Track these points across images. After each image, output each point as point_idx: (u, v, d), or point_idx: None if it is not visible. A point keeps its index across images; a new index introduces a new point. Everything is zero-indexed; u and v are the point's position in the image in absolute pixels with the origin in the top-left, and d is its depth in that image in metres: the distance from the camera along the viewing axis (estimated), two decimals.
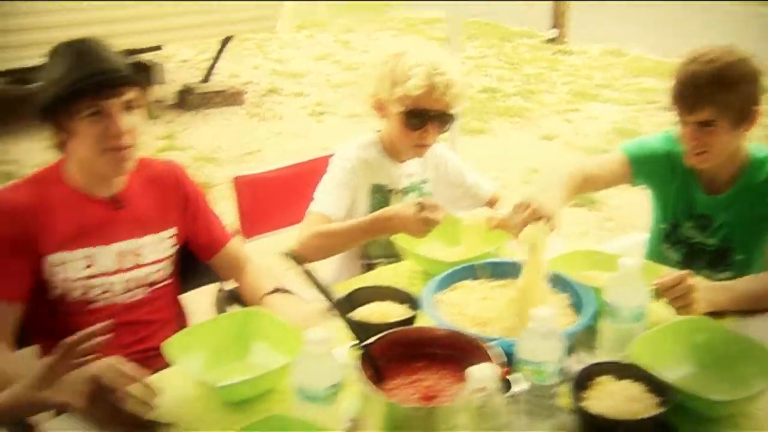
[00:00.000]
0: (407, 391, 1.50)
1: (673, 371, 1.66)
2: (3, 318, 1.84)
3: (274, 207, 2.72)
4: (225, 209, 2.53)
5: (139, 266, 2.06)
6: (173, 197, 2.15)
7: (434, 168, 2.61)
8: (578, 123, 7.57)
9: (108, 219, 2.01)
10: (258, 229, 2.68)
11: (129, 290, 2.06)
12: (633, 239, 2.86)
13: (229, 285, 2.49)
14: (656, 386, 1.54)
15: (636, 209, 5.17)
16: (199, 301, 2.44)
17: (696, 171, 2.34)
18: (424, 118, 2.37)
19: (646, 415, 1.47)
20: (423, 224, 2.12)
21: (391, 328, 1.62)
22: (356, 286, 1.91)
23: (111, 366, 1.55)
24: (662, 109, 7.82)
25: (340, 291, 1.78)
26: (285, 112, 7.80)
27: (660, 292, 1.84)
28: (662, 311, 1.86)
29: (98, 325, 1.45)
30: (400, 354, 1.57)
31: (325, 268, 2.47)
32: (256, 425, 1.43)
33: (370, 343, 1.54)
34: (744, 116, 2.17)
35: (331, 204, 2.37)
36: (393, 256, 2.40)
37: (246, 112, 7.78)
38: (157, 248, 2.10)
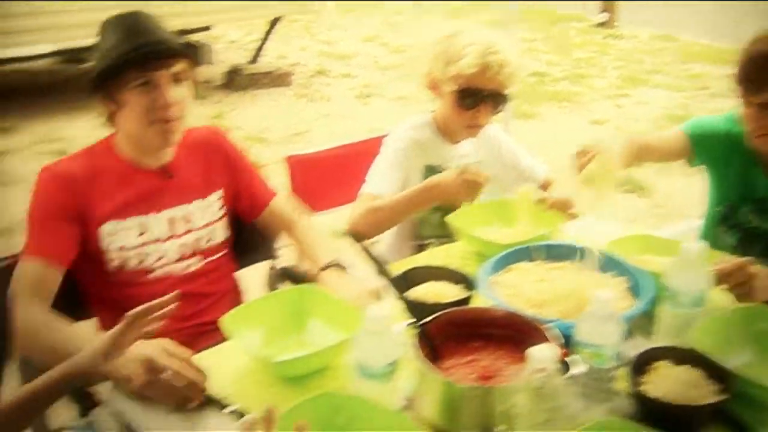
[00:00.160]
0: (464, 370, 1.49)
1: (732, 359, 1.62)
2: (42, 277, 1.85)
3: (324, 187, 2.73)
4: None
5: (190, 231, 2.10)
6: (216, 160, 2.18)
7: (488, 149, 2.59)
8: (628, 108, 7.47)
9: (158, 188, 2.06)
10: (309, 208, 2.69)
11: (184, 258, 2.09)
12: (684, 226, 2.81)
13: (281, 263, 2.52)
14: (716, 373, 1.51)
15: (686, 196, 5.12)
16: (251, 277, 2.46)
17: (757, 153, 2.29)
18: (477, 97, 2.35)
19: (706, 402, 1.45)
20: (466, 186, 2.15)
21: (446, 308, 1.61)
22: (411, 266, 1.91)
23: (162, 346, 1.58)
24: (713, 96, 7.68)
25: (395, 270, 1.78)
26: (332, 94, 7.82)
27: (720, 279, 1.81)
28: (722, 297, 1.83)
29: (165, 297, 1.47)
30: (456, 334, 1.57)
31: (377, 249, 2.48)
32: (311, 401, 1.43)
33: (427, 322, 1.54)
34: None
35: (383, 184, 2.37)
36: (444, 236, 2.40)
37: (294, 93, 7.82)
38: (205, 213, 2.13)
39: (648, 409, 1.47)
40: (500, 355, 1.54)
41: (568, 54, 9.59)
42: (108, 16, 1.98)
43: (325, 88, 8.02)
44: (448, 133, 2.51)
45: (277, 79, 8.00)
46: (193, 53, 2.04)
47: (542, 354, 1.30)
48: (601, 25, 10.77)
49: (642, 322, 1.75)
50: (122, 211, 1.99)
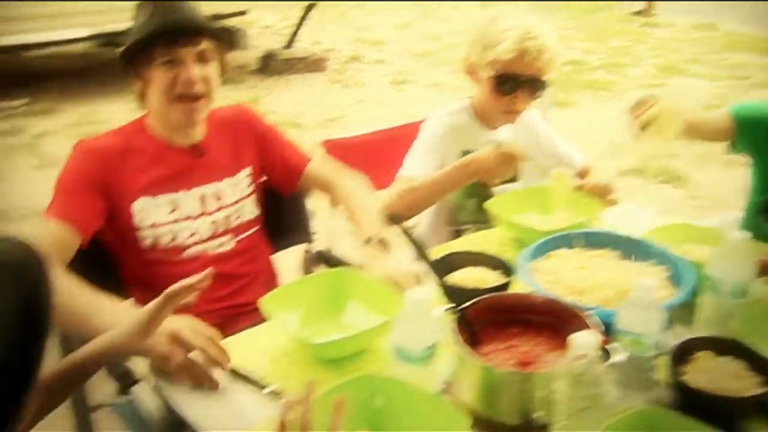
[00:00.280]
0: (502, 356, 1.49)
1: None
2: (60, 239, 1.86)
3: (360, 171, 2.73)
4: None
5: (221, 208, 2.12)
6: (246, 137, 2.20)
7: (526, 135, 2.57)
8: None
9: (188, 167, 2.08)
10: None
11: (216, 236, 2.10)
12: (721, 218, 2.76)
13: (317, 246, 2.52)
14: (759, 364, 1.49)
15: (724, 188, 5.04)
16: (286, 260, 2.47)
17: None
18: (514, 83, 2.34)
19: (749, 394, 1.42)
20: (503, 160, 2.14)
21: (485, 294, 1.61)
22: (448, 251, 1.90)
23: (189, 323, 1.59)
24: (754, 86, 7.56)
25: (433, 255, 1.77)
26: (367, 80, 7.81)
27: (764, 270, 1.78)
28: (765, 289, 1.80)
29: (200, 274, 1.48)
30: (495, 319, 1.56)
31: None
32: (349, 384, 1.42)
33: (466, 307, 1.53)
34: None
35: (419, 168, 2.36)
36: (481, 222, 2.39)
37: (328, 78, 7.82)
38: (235, 190, 2.15)
39: (689, 400, 1.45)
40: (539, 341, 1.53)
41: (604, 42, 9.48)
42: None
43: (359, 74, 8.01)
44: (485, 118, 2.50)
45: (311, 64, 8.01)
46: (220, 33, 2.06)
47: (584, 340, 1.28)
48: (639, 13, 10.63)
49: (682, 312, 1.73)
50: (153, 189, 2.02)
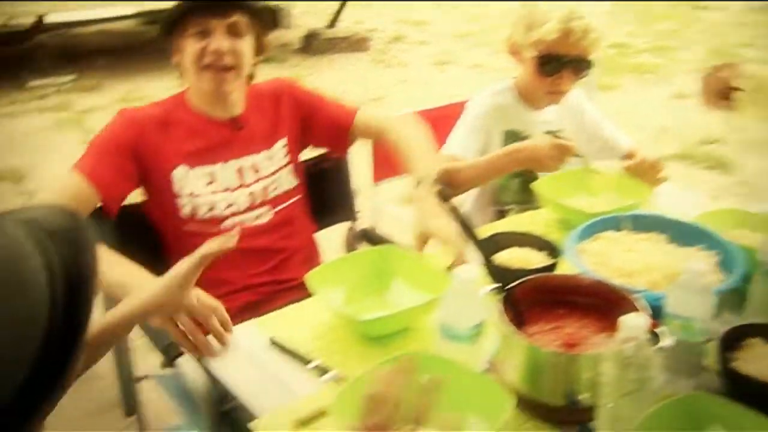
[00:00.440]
0: (548, 337, 1.47)
1: None
2: (79, 193, 1.89)
3: None
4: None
5: (259, 180, 2.13)
6: (284, 109, 2.21)
7: (571, 117, 2.54)
8: None
9: (227, 140, 2.10)
10: (389, 173, 2.68)
11: (253, 207, 2.11)
12: None
13: (361, 224, 2.52)
14: None
15: None
16: (329, 238, 2.47)
17: None
18: (558, 63, 2.31)
19: None
20: (557, 150, 2.12)
21: (532, 274, 1.59)
22: (494, 231, 1.89)
23: (196, 294, 1.60)
24: None
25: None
26: (409, 60, 7.78)
27: None
28: None
29: (230, 233, 1.51)
30: (541, 300, 1.55)
31: None
32: (395, 361, 1.42)
33: (513, 287, 1.52)
34: None
35: (462, 147, 2.35)
36: (525, 202, 2.37)
37: (371, 58, 7.80)
38: (272, 161, 2.16)
39: (738, 387, 1.43)
40: (585, 323, 1.51)
41: (650, 25, 9.32)
42: None
43: (402, 54, 7.98)
44: (529, 99, 2.47)
45: (354, 44, 8.00)
46: (252, 7, 2.07)
47: (634, 322, 1.26)
48: None
49: (732, 298, 1.69)
50: (191, 160, 2.04)
